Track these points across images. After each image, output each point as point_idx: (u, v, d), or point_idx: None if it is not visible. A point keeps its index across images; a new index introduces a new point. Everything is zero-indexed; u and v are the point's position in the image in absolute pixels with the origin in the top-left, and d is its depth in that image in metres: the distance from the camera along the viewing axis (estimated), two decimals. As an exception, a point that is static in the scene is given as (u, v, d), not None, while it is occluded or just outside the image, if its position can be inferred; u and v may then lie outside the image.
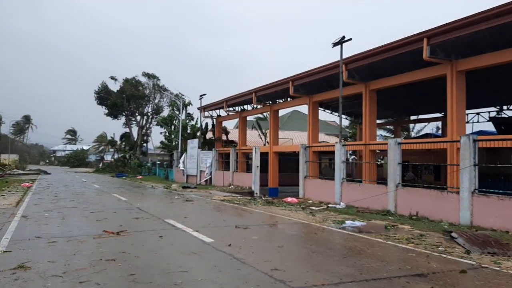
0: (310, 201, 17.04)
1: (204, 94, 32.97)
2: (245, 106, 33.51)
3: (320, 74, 19.69)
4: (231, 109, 33.85)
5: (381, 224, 10.38)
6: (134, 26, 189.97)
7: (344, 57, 16.93)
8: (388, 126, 40.64)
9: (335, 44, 16.78)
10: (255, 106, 31.01)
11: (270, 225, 9.97)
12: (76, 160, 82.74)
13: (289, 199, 16.83)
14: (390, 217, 11.84)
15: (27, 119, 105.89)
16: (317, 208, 14.17)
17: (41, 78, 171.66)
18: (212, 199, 17.36)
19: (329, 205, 15.03)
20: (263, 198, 18.92)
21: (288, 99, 25.53)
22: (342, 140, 18.56)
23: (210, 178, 28.94)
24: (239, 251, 6.74)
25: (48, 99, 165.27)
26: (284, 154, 28.72)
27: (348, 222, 10.42)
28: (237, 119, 46.87)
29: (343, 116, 32.01)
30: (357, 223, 10.29)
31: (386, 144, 14.20)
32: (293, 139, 38.56)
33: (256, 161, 23.01)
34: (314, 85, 21.46)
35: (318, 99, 22.42)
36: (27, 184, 25.75)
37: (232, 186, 25.50)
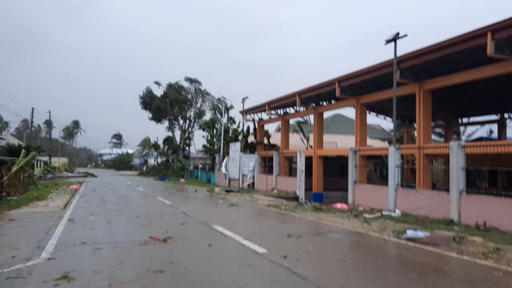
0: (361, 208, 16.09)
1: (247, 97, 32.59)
2: (288, 109, 32.93)
3: (369, 74, 18.68)
4: (273, 112, 33.33)
5: (447, 236, 9.35)
6: (174, 33, 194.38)
7: (391, 56, 15.88)
8: (436, 130, 38.65)
9: (388, 41, 15.76)
10: (298, 109, 30.29)
11: (325, 234, 9.21)
12: (121, 163, 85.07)
13: (338, 205, 15.95)
14: (454, 227, 10.74)
15: (76, 124, 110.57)
16: (371, 216, 13.22)
17: (89, 84, 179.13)
18: (257, 204, 16.79)
19: (383, 213, 14.02)
20: (310, 203, 18.11)
21: (332, 101, 24.59)
22: (396, 143, 17.40)
23: (253, 182, 28.43)
24: (297, 265, 6.06)
25: (95, 105, 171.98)
26: (327, 158, 27.76)
27: (410, 233, 9.46)
28: (278, 123, 46.36)
29: (389, 119, 30.62)
30: (420, 234, 9.31)
31: (444, 147, 13.05)
32: (337, 142, 37.45)
33: (301, 165, 22.23)
34: (361, 86, 20.46)
35: (366, 101, 21.34)
36: (74, 186, 26.33)
37: (275, 190, 24.84)
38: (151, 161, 78.20)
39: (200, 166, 48.31)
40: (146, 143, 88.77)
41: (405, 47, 15.66)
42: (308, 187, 23.83)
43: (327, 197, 23.52)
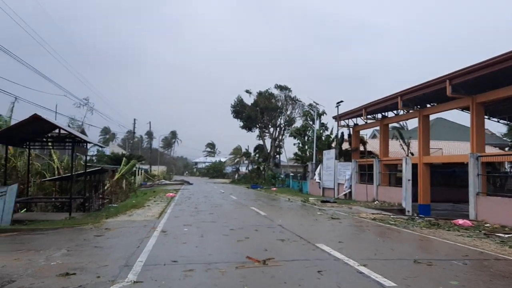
0: (487, 225, 13.44)
1: (341, 101, 30.68)
2: (386, 113, 30.38)
3: (486, 69, 15.86)
4: (370, 116, 31.00)
5: None
6: (262, 43, 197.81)
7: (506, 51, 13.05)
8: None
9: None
10: (399, 112, 27.65)
11: (462, 261, 7.26)
12: (215, 171, 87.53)
13: (460, 221, 13.48)
14: None
15: (173, 134, 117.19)
16: (506, 236, 10.73)
17: (185, 96, 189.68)
18: (359, 217, 14.97)
19: (524, 232, 11.36)
20: (421, 218, 15.75)
21: (438, 103, 21.78)
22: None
23: (350, 192, 26.38)
24: (447, 311, 4.39)
25: (191, 115, 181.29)
26: (433, 165, 24.74)
27: None
28: (371, 129, 43.38)
29: (494, 120, 26.49)
30: None
31: None
32: (442, 149, 33.71)
33: (407, 173, 19.81)
34: (475, 84, 17.61)
35: (483, 100, 18.30)
36: (171, 194, 26.76)
37: (376, 201, 22.59)
38: (242, 169, 79.33)
39: (292, 174, 47.15)
40: (237, 152, 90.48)
41: None
42: (412, 198, 21.27)
43: (435, 209, 20.77)
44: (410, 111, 26.49)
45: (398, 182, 22.28)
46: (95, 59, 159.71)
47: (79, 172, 16.09)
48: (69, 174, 13.93)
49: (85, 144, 14.24)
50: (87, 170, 15.47)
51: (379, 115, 30.81)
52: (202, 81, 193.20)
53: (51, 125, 13.12)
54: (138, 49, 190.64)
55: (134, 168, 41.92)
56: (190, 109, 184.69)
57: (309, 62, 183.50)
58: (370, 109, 29.13)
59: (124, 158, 26.62)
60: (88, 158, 39.14)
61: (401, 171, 22.10)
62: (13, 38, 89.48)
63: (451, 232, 11.28)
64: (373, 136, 47.04)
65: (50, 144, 14.51)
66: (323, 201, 22.78)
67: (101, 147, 16.27)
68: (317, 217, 14.40)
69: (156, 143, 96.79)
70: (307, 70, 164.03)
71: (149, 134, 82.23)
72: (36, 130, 13.66)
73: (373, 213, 16.58)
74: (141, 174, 51.92)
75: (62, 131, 13.70)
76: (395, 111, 29.73)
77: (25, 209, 15.21)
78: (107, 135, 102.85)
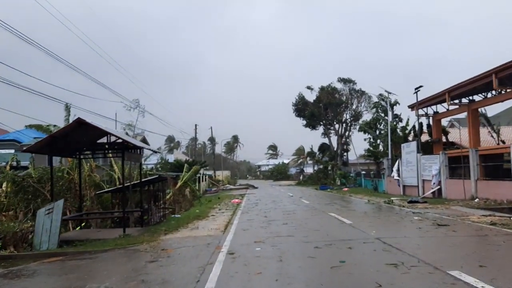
0: None
1: (421, 86, 26.98)
2: (473, 97, 26.44)
3: None
4: (456, 101, 27.13)
5: None
6: (315, 41, 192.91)
7: None
8: None
9: None
10: (495, 92, 23.65)
11: None
12: (278, 173, 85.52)
13: None
14: None
15: (235, 138, 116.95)
16: None
17: (244, 101, 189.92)
18: (472, 221, 11.84)
19: None
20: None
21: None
22: None
23: (439, 189, 22.76)
24: None
25: (251, 119, 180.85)
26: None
27: None
28: (449, 118, 38.51)
29: None
30: None
31: None
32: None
33: (520, 164, 16.13)
34: None
35: None
36: (236, 200, 24.89)
37: (477, 199, 18.94)
38: (307, 170, 76.39)
39: (363, 172, 43.61)
40: (300, 152, 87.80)
41: None
42: None
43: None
44: (508, 90, 22.50)
45: (505, 175, 18.50)
46: (157, 71, 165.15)
47: (135, 182, 14.54)
48: (122, 185, 12.28)
49: (138, 150, 12.57)
50: (143, 180, 13.86)
51: (465, 100, 26.95)
52: (260, 85, 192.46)
53: (100, 131, 11.55)
54: (196, 61, 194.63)
55: (198, 175, 41.00)
56: (250, 113, 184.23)
57: (365, 58, 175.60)
58: (454, 93, 25.36)
59: (186, 165, 25.14)
60: (151, 166, 38.92)
61: (508, 161, 18.34)
62: (83, 57, 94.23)
63: None
64: (451, 126, 42.16)
65: (101, 152, 13.03)
66: (410, 202, 19.56)
67: (157, 152, 14.61)
68: (417, 224, 11.49)
69: (219, 148, 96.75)
70: (364, 67, 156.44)
71: (212, 140, 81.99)
72: (84, 137, 12.23)
73: (484, 215, 13.26)
74: (205, 180, 51.08)
75: (112, 138, 12.14)
76: (484, 94, 25.81)
77: (80, 226, 13.94)
78: (172, 143, 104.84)
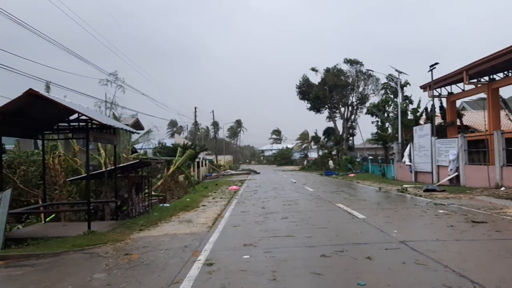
0: None
1: (437, 63, 24.63)
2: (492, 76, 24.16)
3: None
4: (474, 80, 24.82)
5: None
6: (322, 22, 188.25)
7: None
8: None
9: None
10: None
11: None
12: (282, 158, 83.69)
13: None
14: None
15: (238, 123, 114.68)
16: None
17: (248, 85, 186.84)
18: (510, 216, 9.78)
19: None
20: None
21: None
22: None
23: (457, 176, 20.66)
24: None
25: (255, 103, 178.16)
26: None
27: None
28: (461, 100, 36.10)
29: None
30: None
31: None
32: None
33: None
34: None
35: None
36: (234, 187, 22.95)
37: (503, 187, 16.84)
38: (311, 155, 74.22)
39: (370, 157, 41.45)
40: (304, 137, 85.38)
41: None
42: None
43: None
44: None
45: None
46: (161, 54, 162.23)
47: (110, 168, 12.52)
48: (87, 173, 10.24)
49: (110, 130, 10.53)
50: (119, 165, 11.88)
51: (483, 79, 24.67)
52: (263, 68, 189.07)
53: (61, 107, 9.45)
54: (198, 43, 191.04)
55: (197, 160, 39.04)
56: (254, 98, 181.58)
57: (372, 37, 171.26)
58: (472, 71, 23.06)
59: (179, 148, 23.09)
60: (150, 150, 36.84)
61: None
62: (82, 40, 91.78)
63: None
64: (462, 109, 39.79)
65: (65, 132, 11.00)
66: (427, 190, 17.50)
67: (131, 132, 12.46)
68: (446, 220, 9.41)
69: (222, 133, 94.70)
70: (370, 46, 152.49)
71: (215, 124, 79.85)
72: (44, 115, 10.20)
73: (520, 208, 11.22)
74: (205, 165, 49.18)
75: (80, 116, 10.08)
76: (505, 72, 23.53)
77: (50, 218, 12.03)
78: (175, 127, 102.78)
